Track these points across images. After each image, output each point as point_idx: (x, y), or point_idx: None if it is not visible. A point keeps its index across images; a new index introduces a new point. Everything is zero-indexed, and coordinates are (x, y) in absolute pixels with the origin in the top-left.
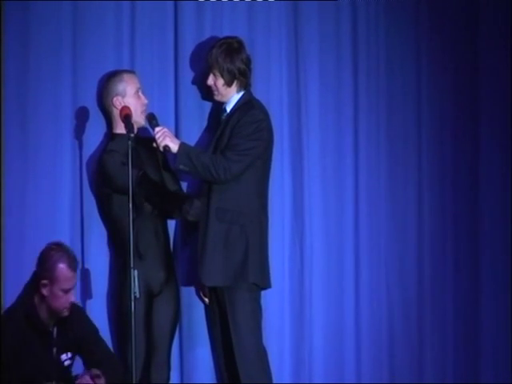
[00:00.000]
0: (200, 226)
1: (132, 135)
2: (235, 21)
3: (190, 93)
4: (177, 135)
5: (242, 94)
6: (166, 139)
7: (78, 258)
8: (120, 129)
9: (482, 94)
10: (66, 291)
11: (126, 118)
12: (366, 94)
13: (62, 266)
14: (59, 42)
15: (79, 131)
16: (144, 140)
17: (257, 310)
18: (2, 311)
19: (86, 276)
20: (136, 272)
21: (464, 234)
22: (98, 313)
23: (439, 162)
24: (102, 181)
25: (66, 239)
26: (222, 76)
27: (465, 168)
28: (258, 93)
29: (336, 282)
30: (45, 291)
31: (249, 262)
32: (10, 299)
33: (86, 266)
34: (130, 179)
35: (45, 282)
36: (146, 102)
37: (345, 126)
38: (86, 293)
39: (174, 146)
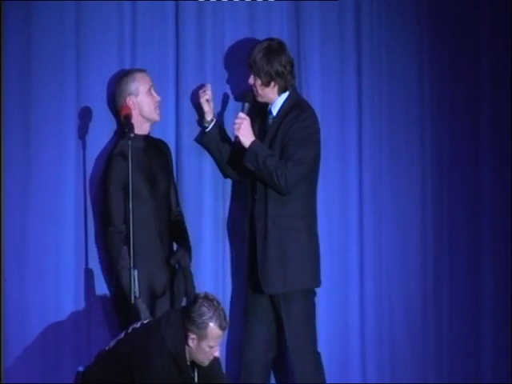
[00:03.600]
0: (257, 234)
1: (132, 135)
2: (236, 21)
3: (191, 93)
4: (178, 135)
5: (286, 95)
6: (241, 131)
7: (82, 257)
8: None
9: (484, 89)
10: (213, 347)
11: (126, 117)
12: (369, 94)
13: (213, 327)
14: (62, 42)
15: (83, 131)
16: (156, 142)
17: (312, 312)
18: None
19: (88, 276)
20: (136, 272)
21: (465, 234)
22: (101, 313)
23: (439, 161)
24: (102, 181)
25: (69, 239)
26: (260, 77)
27: (465, 166)
28: None
29: (339, 280)
30: (191, 343)
31: (305, 266)
32: (10, 303)
33: (90, 266)
34: (130, 179)
35: (193, 336)
36: (158, 98)
37: (347, 125)
38: (89, 293)
39: (246, 141)
